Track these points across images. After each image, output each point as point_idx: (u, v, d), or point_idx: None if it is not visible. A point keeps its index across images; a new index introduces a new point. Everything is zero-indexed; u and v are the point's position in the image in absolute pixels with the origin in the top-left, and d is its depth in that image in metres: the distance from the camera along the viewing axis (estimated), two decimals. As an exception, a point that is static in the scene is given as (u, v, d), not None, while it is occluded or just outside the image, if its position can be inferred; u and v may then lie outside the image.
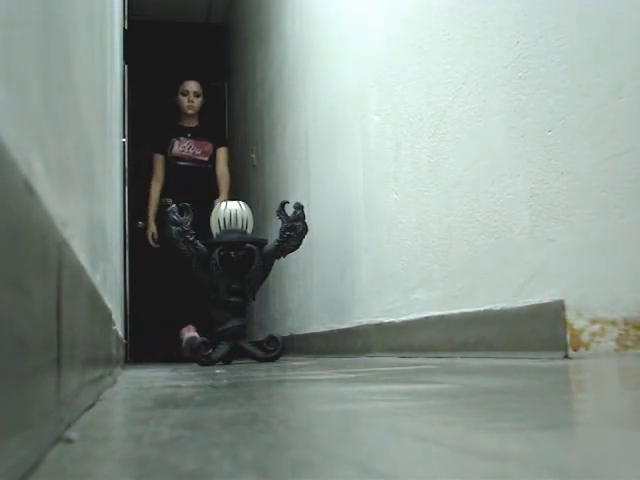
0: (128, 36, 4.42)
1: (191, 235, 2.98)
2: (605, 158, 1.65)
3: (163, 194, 4.61)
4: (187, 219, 2.99)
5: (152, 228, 4.60)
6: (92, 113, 1.34)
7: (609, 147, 1.64)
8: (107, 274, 1.80)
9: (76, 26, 1.01)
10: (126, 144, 4.71)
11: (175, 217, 2.98)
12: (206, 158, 4.66)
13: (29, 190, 0.51)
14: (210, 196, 4.46)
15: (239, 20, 6.13)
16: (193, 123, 4.69)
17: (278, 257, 3.16)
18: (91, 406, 0.98)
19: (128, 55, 4.56)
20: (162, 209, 4.39)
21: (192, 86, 4.68)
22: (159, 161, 4.66)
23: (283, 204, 3.10)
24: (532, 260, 1.90)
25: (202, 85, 4.74)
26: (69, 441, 0.62)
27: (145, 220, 4.67)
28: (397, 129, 2.75)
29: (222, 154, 4.73)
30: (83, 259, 0.93)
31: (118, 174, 3.28)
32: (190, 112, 4.66)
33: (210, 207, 4.32)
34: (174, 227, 2.97)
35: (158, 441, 0.61)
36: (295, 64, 4.26)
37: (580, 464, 0.44)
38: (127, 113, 4.69)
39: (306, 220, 3.11)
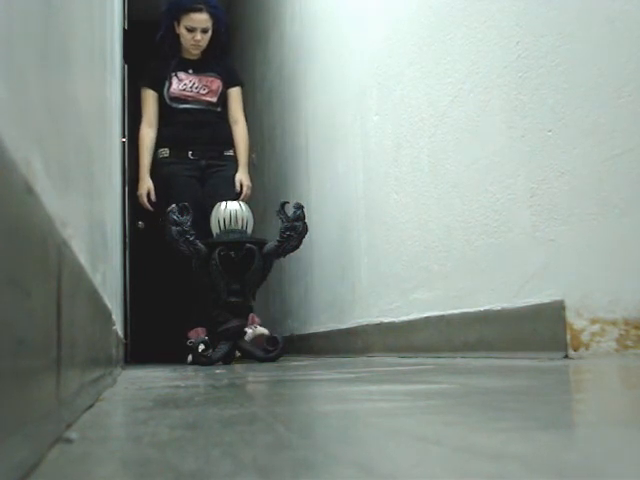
0: (128, 36, 4.42)
1: (191, 235, 2.98)
2: (605, 158, 1.65)
3: (159, 145, 3.67)
4: (187, 219, 2.99)
5: (147, 183, 3.65)
6: (92, 113, 1.34)
7: (609, 147, 1.64)
8: (107, 274, 1.80)
9: (76, 26, 1.01)
10: (126, 144, 4.70)
11: (175, 217, 2.98)
12: (214, 99, 3.71)
13: (29, 190, 0.51)
14: (221, 145, 3.71)
15: (239, 20, 6.13)
16: (195, 56, 3.73)
17: (278, 257, 3.16)
18: (91, 406, 0.98)
19: (128, 55, 4.56)
20: (157, 162, 3.67)
21: (201, 21, 3.63)
22: (150, 98, 3.68)
23: (283, 204, 3.10)
24: (532, 260, 1.90)
25: (212, 15, 3.66)
26: (69, 441, 0.62)
27: (135, 175, 3.75)
28: (397, 129, 2.75)
29: (236, 94, 3.81)
30: (83, 259, 0.93)
31: (118, 174, 3.28)
32: (195, 52, 3.70)
33: (220, 160, 3.67)
34: (174, 227, 2.97)
35: (158, 441, 0.61)
36: (295, 64, 4.26)
37: (580, 464, 0.44)
38: (127, 113, 4.68)
39: (306, 220, 3.11)
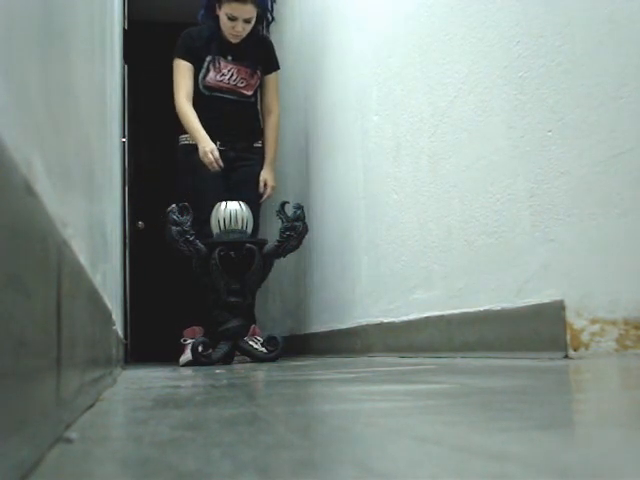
0: (128, 36, 4.42)
1: (191, 235, 2.98)
2: (605, 158, 1.65)
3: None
4: (187, 219, 2.99)
5: (210, 145, 3.31)
6: (92, 113, 1.34)
7: (609, 147, 1.64)
8: (107, 274, 1.80)
9: (76, 26, 1.01)
10: (126, 144, 4.70)
11: (175, 217, 2.98)
12: (250, 92, 3.55)
13: (29, 190, 0.51)
14: (251, 138, 3.57)
15: (239, 20, 6.13)
16: (236, 40, 3.46)
17: (278, 257, 3.16)
18: (91, 406, 0.98)
19: (128, 55, 4.56)
20: (185, 148, 3.48)
21: (244, 12, 3.32)
22: (186, 71, 3.43)
23: (283, 204, 3.10)
24: (532, 260, 1.90)
25: (258, 5, 3.38)
26: (69, 441, 0.62)
27: (193, 143, 3.40)
28: (397, 129, 2.75)
29: (273, 81, 3.65)
30: (83, 259, 0.93)
31: (118, 174, 3.28)
32: (234, 41, 3.44)
33: (250, 152, 3.53)
34: (174, 227, 2.97)
35: (158, 441, 0.61)
36: (295, 64, 4.26)
37: (580, 464, 0.44)
38: (127, 113, 4.68)
39: (306, 220, 3.11)
